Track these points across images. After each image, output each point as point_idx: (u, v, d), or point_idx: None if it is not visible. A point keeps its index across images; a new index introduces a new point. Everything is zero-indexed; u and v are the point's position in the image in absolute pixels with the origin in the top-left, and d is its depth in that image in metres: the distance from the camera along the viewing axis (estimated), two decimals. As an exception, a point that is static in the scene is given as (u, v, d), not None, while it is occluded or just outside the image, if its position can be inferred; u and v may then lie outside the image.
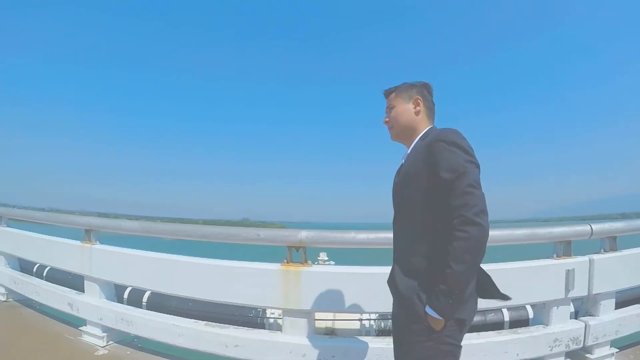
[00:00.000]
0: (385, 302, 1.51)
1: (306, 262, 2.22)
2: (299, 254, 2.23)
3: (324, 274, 2.15)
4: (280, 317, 2.72)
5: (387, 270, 1.40)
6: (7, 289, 3.60)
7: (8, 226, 3.71)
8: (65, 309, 2.95)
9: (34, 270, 3.50)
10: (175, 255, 2.61)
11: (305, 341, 2.16)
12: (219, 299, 2.41)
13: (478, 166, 1.15)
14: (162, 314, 2.55)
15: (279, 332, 2.31)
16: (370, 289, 2.07)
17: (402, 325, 1.27)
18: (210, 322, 2.42)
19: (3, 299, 3.61)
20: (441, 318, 1.12)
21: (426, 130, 1.34)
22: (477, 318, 2.79)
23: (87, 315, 2.81)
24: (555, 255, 2.51)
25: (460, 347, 1.22)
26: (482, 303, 2.31)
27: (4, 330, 3.00)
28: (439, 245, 1.13)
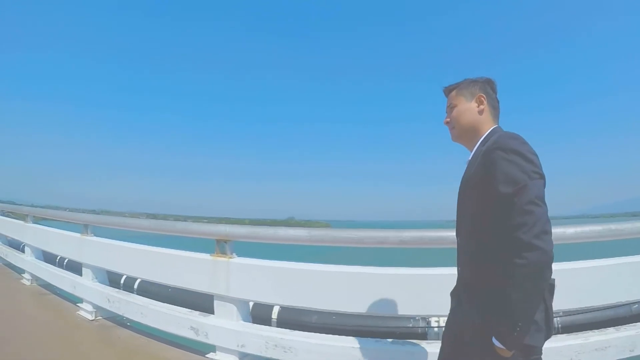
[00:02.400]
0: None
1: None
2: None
3: None
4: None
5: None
6: (95, 306, 3.04)
7: (95, 235, 3.10)
8: (187, 334, 2.46)
9: (121, 283, 3.00)
10: (324, 265, 2.27)
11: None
12: (403, 313, 2.16)
13: (543, 177, 1.02)
14: (332, 335, 2.21)
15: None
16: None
17: (464, 338, 1.16)
18: (397, 340, 2.16)
19: (91, 317, 3.04)
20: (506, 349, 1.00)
21: (489, 131, 1.21)
22: (621, 310, 2.75)
23: (222, 342, 2.36)
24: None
25: None
26: (626, 296, 2.26)
27: (108, 357, 2.54)
28: (495, 266, 1.03)
